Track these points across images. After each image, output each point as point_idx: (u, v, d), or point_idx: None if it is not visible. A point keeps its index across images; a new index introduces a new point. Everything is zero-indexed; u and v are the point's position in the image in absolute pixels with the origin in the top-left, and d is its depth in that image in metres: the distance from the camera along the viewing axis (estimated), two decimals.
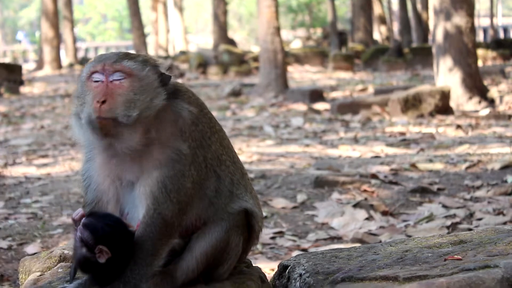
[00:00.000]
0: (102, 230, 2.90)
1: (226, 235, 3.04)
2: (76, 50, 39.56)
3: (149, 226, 2.90)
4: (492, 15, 58.02)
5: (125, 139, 2.91)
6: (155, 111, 2.92)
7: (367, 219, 6.29)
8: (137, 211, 2.95)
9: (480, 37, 63.72)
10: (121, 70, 2.94)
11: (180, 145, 2.91)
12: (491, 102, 15.65)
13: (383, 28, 49.91)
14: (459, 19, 15.45)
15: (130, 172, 2.97)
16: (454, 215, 6.34)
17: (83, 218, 2.96)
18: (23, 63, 47.77)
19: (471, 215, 6.36)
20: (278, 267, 2.84)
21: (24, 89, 26.58)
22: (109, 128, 2.88)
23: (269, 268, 4.77)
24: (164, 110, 2.95)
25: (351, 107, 15.28)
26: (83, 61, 38.03)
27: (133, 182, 2.97)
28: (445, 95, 14.22)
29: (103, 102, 2.87)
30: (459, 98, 15.63)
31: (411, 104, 13.98)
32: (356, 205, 6.61)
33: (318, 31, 56.24)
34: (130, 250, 2.89)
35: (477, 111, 14.78)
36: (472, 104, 15.58)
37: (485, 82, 17.67)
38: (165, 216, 2.89)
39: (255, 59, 31.06)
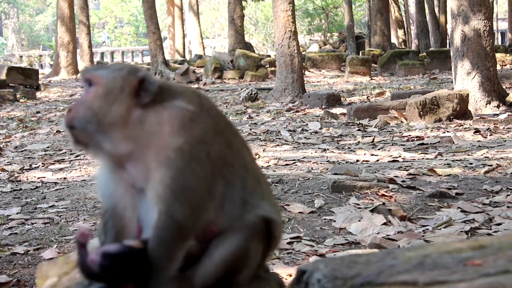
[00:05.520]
0: (120, 273, 2.88)
1: (246, 243, 3.00)
2: (92, 55, 39.66)
3: (162, 230, 2.85)
4: (510, 19, 57.86)
5: (101, 146, 2.94)
6: (118, 117, 2.91)
7: (385, 224, 6.24)
8: (152, 217, 2.91)
9: (498, 40, 63.60)
10: (89, 79, 2.98)
11: (177, 142, 2.87)
12: (510, 106, 15.58)
13: (400, 32, 49.88)
14: (477, 22, 15.39)
15: (137, 178, 2.95)
16: (473, 220, 6.28)
17: (100, 260, 2.90)
18: (40, 68, 48.05)
19: (490, 220, 6.30)
20: (296, 272, 2.80)
21: (40, 94, 26.71)
22: (77, 136, 2.95)
23: (286, 274, 4.73)
24: (156, 112, 2.93)
25: (368, 111, 15.23)
26: None
27: (144, 188, 2.94)
28: (463, 99, 14.14)
29: (70, 110, 2.95)
30: (477, 102, 15.57)
31: (428, 108, 13.91)
32: (374, 210, 6.57)
33: (335, 35, 56.30)
34: (146, 263, 2.86)
35: (495, 115, 14.72)
36: (491, 108, 15.52)
37: (504, 86, 17.59)
38: (176, 219, 2.84)
39: (272, 63, 31.12)
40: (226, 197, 2.99)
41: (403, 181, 7.76)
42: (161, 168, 2.86)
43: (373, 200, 7.00)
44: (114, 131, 2.91)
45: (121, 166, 2.97)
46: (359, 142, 11.81)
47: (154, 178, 2.88)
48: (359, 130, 13.46)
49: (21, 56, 63.05)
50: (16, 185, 9.05)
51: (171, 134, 2.88)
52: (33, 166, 10.66)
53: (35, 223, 6.91)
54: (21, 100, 24.54)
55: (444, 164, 8.91)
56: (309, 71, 32.89)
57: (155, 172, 2.88)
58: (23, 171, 10.22)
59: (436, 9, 45.72)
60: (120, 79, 2.96)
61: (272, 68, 29.68)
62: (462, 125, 13.29)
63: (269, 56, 38.90)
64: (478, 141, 11.26)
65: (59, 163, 10.78)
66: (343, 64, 33.57)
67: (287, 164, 9.57)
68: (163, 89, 2.97)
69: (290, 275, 4.55)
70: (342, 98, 19.58)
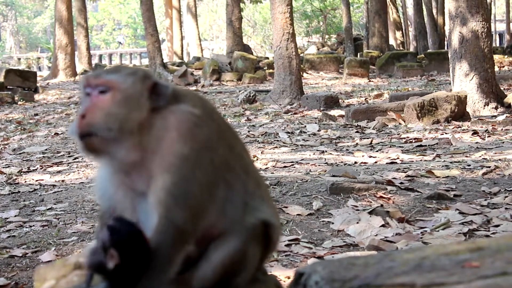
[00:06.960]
0: (120, 235, 2.83)
1: (244, 246, 3.00)
2: (90, 57, 39.61)
3: (162, 234, 2.86)
4: (508, 20, 57.94)
5: (115, 154, 2.89)
6: (137, 122, 2.89)
7: (383, 226, 6.24)
8: (152, 220, 2.91)
9: (496, 42, 63.62)
10: (104, 84, 2.91)
11: (183, 148, 2.86)
12: (508, 108, 15.57)
13: (399, 34, 49.88)
14: (475, 24, 15.38)
15: (139, 182, 2.94)
16: (471, 222, 6.28)
17: (111, 220, 2.89)
18: (38, 70, 48.01)
19: (488, 221, 6.29)
20: (294, 274, 2.80)
21: (38, 97, 26.70)
22: (92, 143, 2.87)
23: (284, 276, 4.73)
24: (163, 117, 2.92)
25: (367, 113, 15.22)
26: (97, 68, 38.18)
27: (145, 192, 2.93)
28: (461, 101, 14.13)
29: (83, 116, 2.85)
30: (476, 104, 15.55)
31: (427, 110, 13.90)
32: (372, 212, 6.56)
33: (333, 37, 56.32)
34: (145, 260, 2.84)
35: (493, 117, 14.70)
36: (489, 110, 15.50)
37: (502, 88, 17.58)
38: (177, 223, 2.85)
39: (270, 65, 31.11)
40: (227, 200, 3.00)
41: (401, 183, 7.76)
42: (164, 174, 2.86)
43: (371, 202, 7.00)
44: (129, 138, 2.87)
45: (127, 173, 2.96)
46: (357, 144, 11.80)
47: (157, 183, 2.87)
48: (357, 132, 13.46)
49: (19, 59, 63.04)
50: (14, 188, 9.04)
51: (177, 140, 2.87)
52: (31, 168, 10.66)
53: (33, 225, 6.91)
54: (19, 103, 24.52)
55: (442, 166, 8.91)
56: (307, 73, 32.87)
57: (157, 177, 2.87)
58: (21, 173, 10.21)
59: (434, 11, 45.73)
60: (138, 84, 2.94)
61: (270, 70, 29.65)
62: (460, 127, 13.28)
63: (267, 58, 38.89)
64: (476, 142, 11.26)
65: (57, 166, 10.78)
66: (341, 66, 33.55)
67: (285, 166, 9.57)
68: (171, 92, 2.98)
69: (288, 278, 4.55)
70: (340, 100, 19.56)
